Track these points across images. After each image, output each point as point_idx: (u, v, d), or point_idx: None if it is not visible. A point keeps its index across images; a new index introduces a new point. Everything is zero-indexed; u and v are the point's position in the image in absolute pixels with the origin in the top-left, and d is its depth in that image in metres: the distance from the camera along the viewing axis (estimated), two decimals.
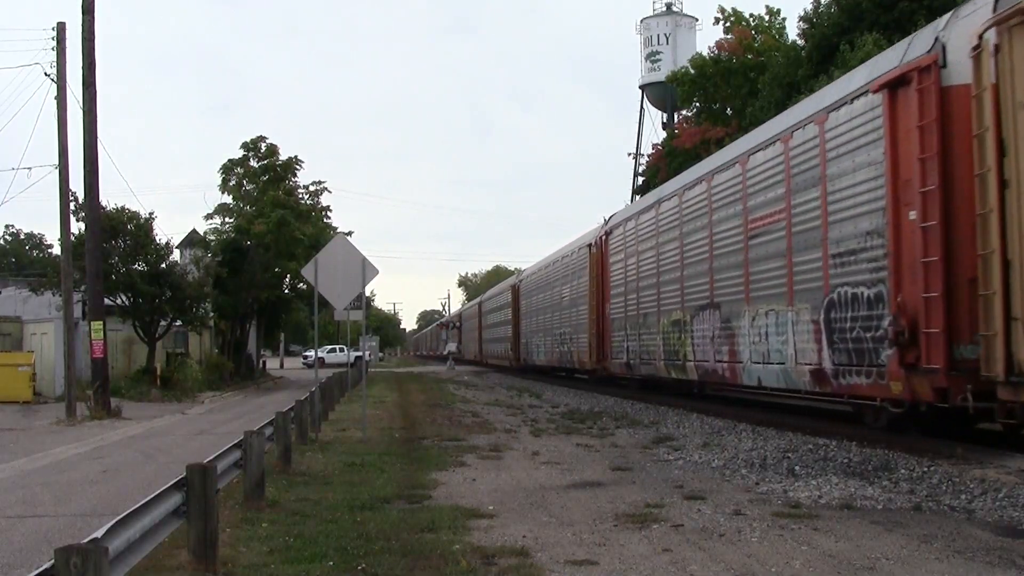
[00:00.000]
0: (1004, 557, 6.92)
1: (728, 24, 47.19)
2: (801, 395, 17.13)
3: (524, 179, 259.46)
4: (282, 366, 77.42)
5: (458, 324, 78.90)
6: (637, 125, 72.64)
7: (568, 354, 31.50)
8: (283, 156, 44.02)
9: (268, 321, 51.82)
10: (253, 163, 43.70)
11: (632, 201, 53.29)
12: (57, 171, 24.32)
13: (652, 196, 23.52)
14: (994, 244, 9.80)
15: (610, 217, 27.50)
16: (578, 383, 33.13)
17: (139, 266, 32.33)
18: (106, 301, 26.19)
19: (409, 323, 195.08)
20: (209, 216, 44.02)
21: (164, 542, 6.75)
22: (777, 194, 14.99)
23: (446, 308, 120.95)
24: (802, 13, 39.41)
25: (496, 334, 52.82)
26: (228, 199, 43.67)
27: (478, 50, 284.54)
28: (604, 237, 26.81)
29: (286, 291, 46.14)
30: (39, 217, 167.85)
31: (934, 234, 10.88)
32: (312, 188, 45.29)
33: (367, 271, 16.99)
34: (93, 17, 23.85)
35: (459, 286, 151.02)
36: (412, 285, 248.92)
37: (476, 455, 13.48)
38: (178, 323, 35.44)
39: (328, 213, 46.20)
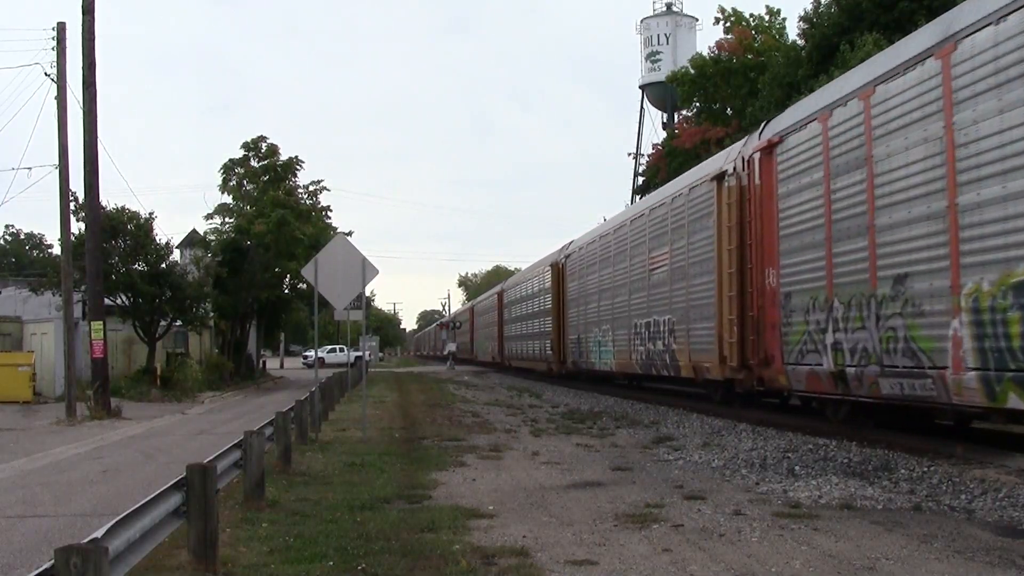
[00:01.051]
0: (1004, 557, 6.92)
1: (728, 24, 47.21)
2: None
3: (524, 179, 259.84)
4: (282, 366, 77.46)
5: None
6: (637, 125, 72.84)
7: (664, 355, 20.71)
8: (283, 156, 44.09)
9: (268, 321, 51.83)
10: (253, 163, 43.72)
11: (632, 202, 53.26)
12: (57, 171, 24.34)
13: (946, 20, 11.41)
14: None
15: (767, 122, 16.46)
16: (580, 384, 32.48)
17: (139, 266, 32.35)
18: (106, 301, 26.19)
19: (409, 323, 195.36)
20: (209, 216, 44.08)
21: (164, 542, 6.74)
22: None
23: (446, 308, 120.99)
24: (802, 13, 39.43)
25: (525, 329, 40.29)
26: (228, 199, 43.71)
27: (478, 50, 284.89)
28: (759, 155, 15.52)
29: (286, 291, 46.15)
30: (39, 217, 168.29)
31: None
32: (311, 188, 45.33)
33: (367, 271, 16.99)
34: (93, 17, 23.86)
35: (459, 286, 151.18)
36: (412, 285, 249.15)
37: (476, 455, 13.48)
38: (178, 323, 35.46)
39: (328, 213, 46.26)
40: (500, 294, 49.36)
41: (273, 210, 40.50)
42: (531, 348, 38.76)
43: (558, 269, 33.07)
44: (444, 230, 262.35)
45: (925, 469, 10.78)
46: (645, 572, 6.77)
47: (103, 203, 27.64)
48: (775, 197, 15.07)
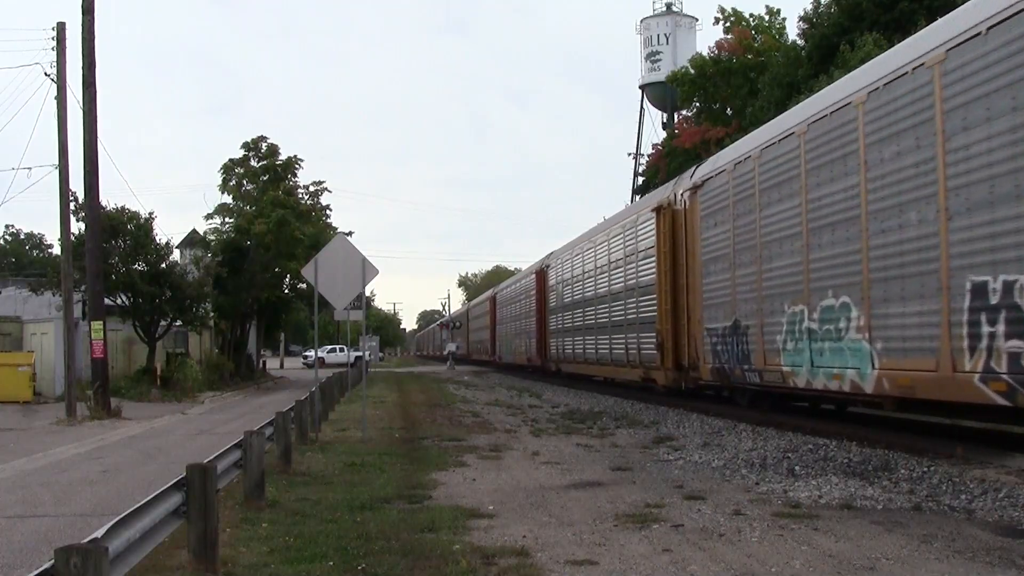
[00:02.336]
0: (1004, 557, 6.92)
1: (728, 24, 47.22)
2: None
3: (523, 179, 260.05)
4: (282, 366, 77.44)
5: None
6: (637, 125, 72.81)
7: None
8: (283, 156, 44.09)
9: (268, 321, 51.82)
10: (253, 163, 43.70)
11: (633, 201, 53.21)
12: (57, 171, 24.33)
13: None
14: None
15: None
16: (576, 382, 32.32)
17: (139, 266, 32.32)
18: (106, 301, 26.18)
19: (409, 323, 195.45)
20: (209, 216, 44.14)
21: (164, 542, 6.75)
22: None
23: (446, 308, 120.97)
24: (802, 13, 39.48)
25: (592, 318, 27.35)
26: (228, 199, 43.72)
27: (477, 50, 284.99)
28: None
29: (286, 291, 46.16)
30: (39, 217, 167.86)
31: None
32: (312, 188, 45.36)
33: (367, 271, 16.99)
34: (93, 17, 23.86)
35: (459, 286, 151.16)
36: (412, 285, 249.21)
37: (476, 455, 13.48)
38: (178, 323, 35.45)
39: (328, 212, 46.29)
40: (541, 272, 37.18)
41: (273, 210, 40.49)
42: (607, 346, 25.76)
43: (671, 214, 20.44)
44: (443, 230, 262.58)
45: (925, 469, 10.78)
46: (645, 572, 6.77)
47: (103, 203, 27.66)
48: None
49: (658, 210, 21.06)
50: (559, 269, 33.42)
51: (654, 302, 21.14)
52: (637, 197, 52.37)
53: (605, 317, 25.96)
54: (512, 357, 45.24)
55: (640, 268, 22.56)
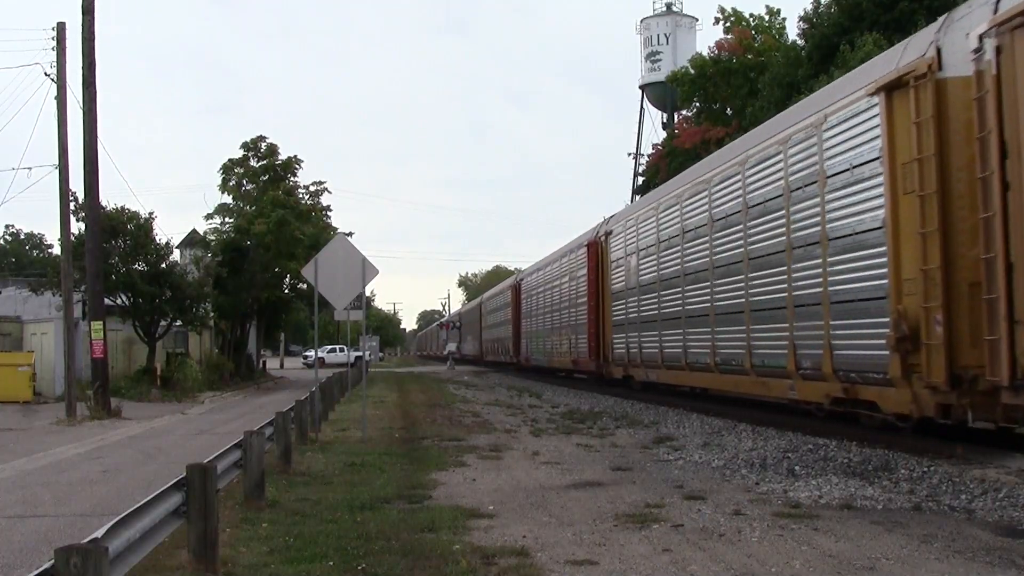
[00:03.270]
0: (1004, 557, 6.92)
1: (728, 24, 47.26)
2: None
3: (523, 179, 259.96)
4: (282, 366, 77.44)
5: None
6: (637, 125, 72.85)
7: None
8: (283, 156, 44.09)
9: (268, 321, 51.83)
10: (253, 163, 43.73)
11: (633, 201, 53.14)
12: (57, 171, 24.34)
13: None
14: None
15: None
16: (577, 382, 32.48)
17: (139, 266, 32.34)
18: (106, 301, 26.18)
19: (409, 323, 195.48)
20: (209, 216, 44.14)
21: (164, 542, 6.75)
22: None
23: (446, 308, 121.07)
24: (802, 13, 39.48)
25: (689, 302, 18.97)
26: (228, 199, 43.75)
27: (477, 51, 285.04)
28: None
29: (286, 291, 46.16)
30: (39, 217, 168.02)
31: None
32: (312, 188, 45.40)
33: (367, 271, 17.00)
34: (93, 17, 23.87)
35: (459, 286, 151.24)
36: (412, 285, 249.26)
37: (476, 455, 13.48)
38: (178, 323, 35.45)
39: (328, 212, 46.30)
40: (595, 244, 27.57)
41: (273, 210, 40.50)
42: (740, 344, 16.31)
43: (934, 87, 10.66)
44: (443, 230, 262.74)
45: (925, 469, 10.78)
46: (645, 572, 6.77)
47: (103, 203, 27.65)
48: None
49: (891, 89, 11.43)
50: (632, 235, 23.37)
51: (875, 261, 11.92)
52: (637, 197, 52.18)
53: (737, 295, 16.43)
54: (547, 359, 35.62)
55: (831, 205, 12.99)
